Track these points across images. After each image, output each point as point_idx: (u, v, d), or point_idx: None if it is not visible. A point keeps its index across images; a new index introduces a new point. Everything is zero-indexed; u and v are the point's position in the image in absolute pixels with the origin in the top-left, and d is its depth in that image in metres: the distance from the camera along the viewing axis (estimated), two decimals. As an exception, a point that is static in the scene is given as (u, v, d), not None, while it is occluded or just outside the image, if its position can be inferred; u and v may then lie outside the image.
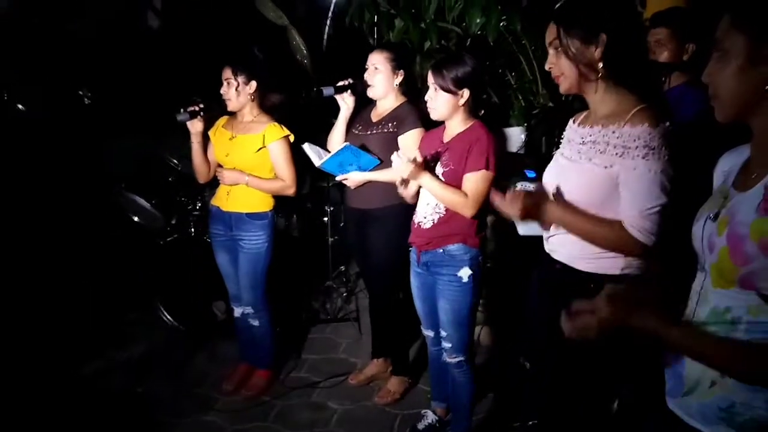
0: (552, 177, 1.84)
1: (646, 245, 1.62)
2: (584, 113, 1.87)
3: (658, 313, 1.24)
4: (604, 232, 1.67)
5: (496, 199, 1.80)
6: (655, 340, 1.25)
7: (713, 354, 1.19)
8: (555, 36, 1.68)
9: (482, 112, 2.67)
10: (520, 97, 3.69)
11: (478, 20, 3.50)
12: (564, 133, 1.93)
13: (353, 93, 2.90)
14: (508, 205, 1.77)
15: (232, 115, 2.97)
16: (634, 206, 1.62)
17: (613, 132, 1.66)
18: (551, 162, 1.92)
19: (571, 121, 1.90)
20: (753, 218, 1.13)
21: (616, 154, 1.64)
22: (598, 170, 1.67)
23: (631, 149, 1.61)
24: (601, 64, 1.66)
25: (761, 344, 1.14)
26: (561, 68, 1.69)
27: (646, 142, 1.59)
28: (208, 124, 2.96)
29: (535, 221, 1.82)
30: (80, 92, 4.87)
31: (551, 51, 1.71)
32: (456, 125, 2.39)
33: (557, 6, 1.76)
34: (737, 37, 1.15)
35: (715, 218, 1.25)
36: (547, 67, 1.76)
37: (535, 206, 1.74)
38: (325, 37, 4.69)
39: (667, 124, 1.62)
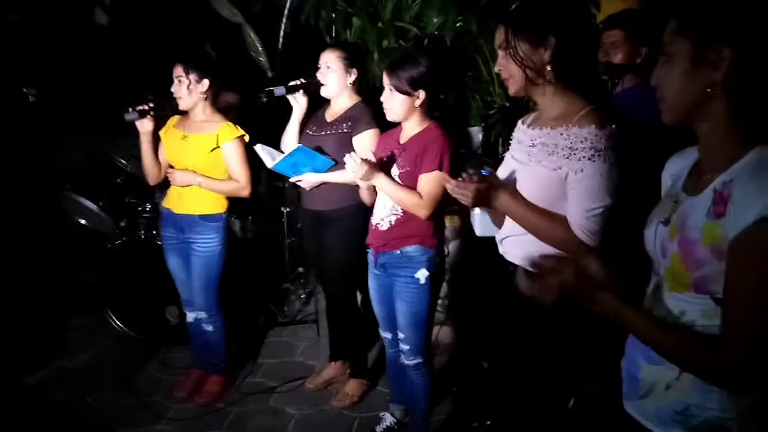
0: (504, 178, 1.84)
1: (588, 246, 1.63)
2: (533, 114, 1.88)
3: (617, 293, 1.24)
4: (548, 227, 1.69)
5: (449, 186, 1.78)
6: (609, 318, 1.25)
7: (663, 338, 1.19)
8: (504, 38, 1.68)
9: (437, 113, 2.65)
10: (477, 98, 3.71)
11: (435, 20, 3.50)
12: (513, 134, 1.94)
13: (306, 92, 2.85)
14: (460, 191, 1.76)
15: (184, 114, 2.88)
16: (578, 207, 1.64)
17: (561, 134, 1.68)
18: (502, 163, 1.93)
19: (520, 122, 1.92)
20: (703, 222, 1.14)
21: (564, 155, 1.65)
22: (547, 172, 1.68)
23: (578, 150, 1.63)
24: (549, 68, 1.66)
25: (708, 334, 1.14)
26: (509, 71, 1.69)
27: (592, 143, 1.61)
28: (159, 124, 2.86)
29: (486, 207, 1.82)
30: (25, 90, 4.68)
31: (501, 53, 1.71)
32: (412, 126, 2.37)
33: (510, 9, 1.76)
34: (682, 42, 1.17)
35: (666, 223, 1.25)
36: (496, 70, 1.76)
37: (487, 193, 1.73)
38: (281, 35, 4.62)
39: (614, 126, 1.65)
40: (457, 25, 3.53)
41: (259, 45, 4.52)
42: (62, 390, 3.16)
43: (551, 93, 1.71)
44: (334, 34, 3.78)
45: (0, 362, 3.35)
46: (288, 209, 3.82)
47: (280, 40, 4.62)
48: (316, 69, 2.82)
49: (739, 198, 1.08)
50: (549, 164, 1.67)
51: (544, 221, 1.69)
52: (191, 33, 5.12)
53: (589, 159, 1.60)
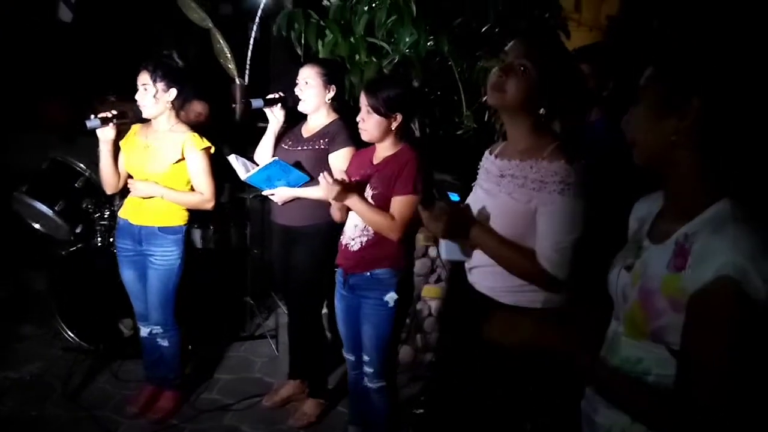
0: (473, 209, 1.84)
1: (556, 278, 1.65)
2: (500, 144, 1.90)
3: (579, 341, 1.25)
4: (517, 259, 1.70)
5: (424, 217, 1.79)
6: (573, 367, 1.26)
7: (624, 394, 1.20)
8: (527, 59, 1.67)
9: (417, 133, 2.66)
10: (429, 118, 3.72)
11: (407, 38, 3.50)
12: (481, 163, 1.95)
13: (283, 106, 2.82)
14: (432, 221, 1.76)
15: (146, 122, 2.80)
16: (547, 239, 1.65)
17: (531, 167, 1.69)
18: (471, 193, 1.93)
19: (487, 152, 1.93)
20: (664, 273, 1.14)
21: (534, 188, 1.67)
22: (516, 204, 1.70)
23: (548, 184, 1.65)
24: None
25: (664, 390, 1.15)
26: (510, 87, 1.68)
27: (562, 177, 1.64)
28: (121, 132, 2.77)
29: (457, 238, 1.82)
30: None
31: (513, 66, 1.69)
32: (386, 148, 2.37)
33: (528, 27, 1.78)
34: (654, 88, 1.19)
35: (629, 268, 1.26)
36: (497, 73, 1.72)
37: (458, 224, 1.74)
38: (251, 42, 4.56)
39: (583, 161, 1.67)
40: (429, 44, 3.56)
41: (228, 51, 4.45)
42: (6, 402, 3.02)
43: (528, 124, 1.72)
44: (303, 44, 3.76)
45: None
46: (250, 221, 3.76)
47: (250, 47, 4.57)
48: (294, 84, 2.80)
49: (700, 253, 1.09)
50: (519, 196, 1.69)
51: (513, 254, 1.69)
52: (158, 36, 5.03)
53: (559, 193, 1.63)
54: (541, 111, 1.72)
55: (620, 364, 1.24)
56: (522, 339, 1.34)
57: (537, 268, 1.66)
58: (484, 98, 3.54)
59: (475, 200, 1.84)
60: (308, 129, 2.86)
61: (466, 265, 1.91)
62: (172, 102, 2.72)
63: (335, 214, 2.45)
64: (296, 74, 2.88)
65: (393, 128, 2.32)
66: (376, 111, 2.29)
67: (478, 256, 1.84)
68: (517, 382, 1.73)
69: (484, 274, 1.82)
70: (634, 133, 1.23)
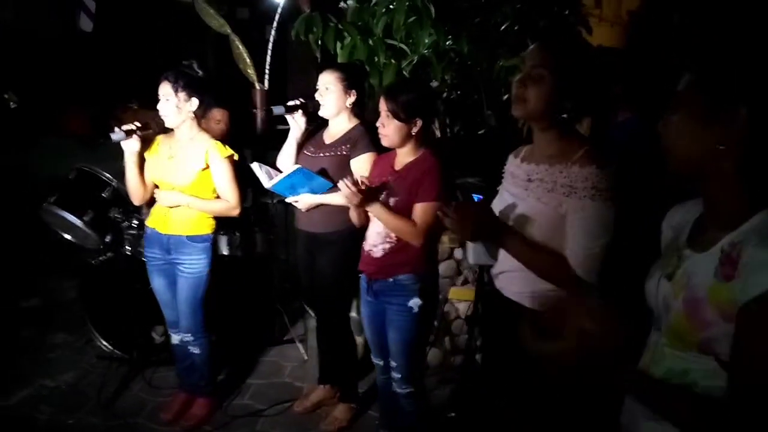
0: (500, 213, 1.83)
1: (587, 283, 1.63)
2: (525, 148, 1.88)
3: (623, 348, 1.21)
4: (549, 263, 1.68)
5: (446, 220, 1.77)
6: (614, 375, 1.23)
7: (670, 403, 1.18)
8: (545, 65, 1.65)
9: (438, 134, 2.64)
10: (447, 119, 3.72)
11: (426, 39, 3.49)
12: (506, 167, 1.93)
13: (304, 113, 2.82)
14: (458, 224, 1.74)
15: (169, 132, 2.83)
16: (578, 244, 1.64)
17: (561, 171, 1.68)
18: (497, 197, 1.92)
19: (511, 156, 1.91)
20: (710, 283, 1.12)
21: (564, 193, 1.66)
22: (546, 209, 1.68)
23: (579, 189, 1.63)
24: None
25: (715, 400, 1.13)
26: (531, 96, 1.67)
27: (594, 183, 1.62)
28: (145, 143, 2.80)
29: (483, 241, 1.80)
30: (6, 96, 4.60)
31: (531, 74, 1.67)
32: (407, 153, 2.35)
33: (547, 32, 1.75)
34: (696, 97, 1.16)
35: (669, 278, 1.24)
36: (517, 84, 1.71)
37: (484, 226, 1.72)
38: (270, 47, 4.57)
39: (613, 166, 1.65)
40: (448, 44, 3.54)
41: (247, 57, 4.48)
42: (43, 410, 3.08)
43: (554, 129, 1.71)
44: (321, 47, 3.75)
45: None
46: (276, 227, 3.78)
47: (269, 52, 4.59)
48: (314, 90, 2.80)
49: (751, 263, 1.06)
50: (548, 201, 1.68)
51: (544, 258, 1.68)
52: (177, 44, 5.07)
53: (590, 198, 1.61)
54: (565, 115, 1.70)
55: (664, 375, 1.22)
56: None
57: (569, 272, 1.65)
58: (506, 96, 3.54)
59: (502, 204, 1.83)
60: (330, 135, 2.86)
61: (493, 271, 1.90)
62: (194, 111, 2.74)
63: (354, 218, 2.44)
64: (314, 78, 2.88)
65: (413, 133, 2.31)
66: (396, 116, 2.28)
67: (505, 261, 1.83)
68: (552, 392, 1.72)
69: (511, 279, 1.81)
70: (672, 140, 1.21)
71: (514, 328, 1.78)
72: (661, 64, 2.67)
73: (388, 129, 2.30)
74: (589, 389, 1.61)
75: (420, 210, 2.25)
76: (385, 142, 2.35)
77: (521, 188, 1.77)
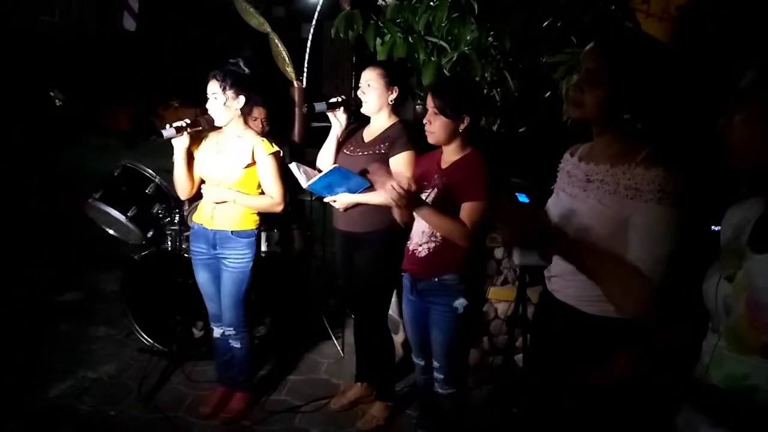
0: (557, 214, 1.78)
1: (656, 291, 1.57)
2: (582, 147, 1.81)
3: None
4: (616, 273, 1.59)
5: (501, 219, 1.70)
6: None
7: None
8: (601, 67, 1.60)
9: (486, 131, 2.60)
10: (505, 115, 3.67)
11: (468, 36, 3.46)
12: (560, 165, 1.88)
13: (346, 110, 2.82)
14: (512, 224, 1.65)
15: (216, 129, 2.86)
16: (646, 252, 1.55)
17: (624, 173, 1.61)
18: (552, 197, 1.87)
19: (567, 154, 1.85)
20: None
21: (627, 196, 1.59)
22: (608, 212, 1.61)
23: (644, 192, 1.56)
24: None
25: None
26: (588, 100, 1.61)
27: (660, 185, 1.54)
28: (193, 140, 2.84)
29: (535, 247, 1.75)
30: (51, 93, 4.71)
31: (586, 77, 1.62)
32: (453, 151, 2.33)
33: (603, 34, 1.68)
34: (761, 95, 1.13)
35: (730, 279, 1.20)
36: (573, 88, 1.67)
37: (531, 229, 1.63)
38: (308, 45, 4.60)
39: (681, 168, 1.58)
40: (489, 40, 3.51)
41: (286, 55, 4.51)
42: (86, 401, 3.14)
43: (613, 129, 1.64)
44: (357, 45, 3.74)
45: (25, 372, 3.35)
46: (313, 224, 3.79)
47: (308, 50, 4.61)
48: (357, 87, 2.80)
49: None
50: (610, 203, 1.61)
51: (609, 267, 1.59)
52: (219, 43, 5.13)
53: (657, 202, 1.54)
54: (626, 116, 1.64)
55: (723, 380, 1.19)
56: None
57: (637, 281, 1.55)
58: (547, 94, 3.49)
59: (558, 204, 1.78)
60: (369, 133, 2.85)
61: (546, 273, 1.86)
62: (241, 109, 2.76)
63: (398, 217, 2.42)
64: (348, 77, 2.88)
65: (460, 130, 2.28)
66: (443, 113, 2.25)
67: (559, 263, 1.78)
68: (601, 396, 1.68)
69: (567, 283, 1.76)
70: (737, 139, 1.17)
71: (566, 331, 1.76)
72: (713, 61, 2.59)
73: (435, 126, 2.27)
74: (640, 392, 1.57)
75: (468, 210, 2.22)
76: (431, 139, 2.33)
77: (579, 189, 1.71)
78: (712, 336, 1.26)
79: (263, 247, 3.46)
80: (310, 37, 4.56)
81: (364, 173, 2.70)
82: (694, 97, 2.59)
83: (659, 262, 1.55)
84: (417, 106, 3.86)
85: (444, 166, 2.35)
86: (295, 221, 3.69)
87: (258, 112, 3.62)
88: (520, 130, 3.71)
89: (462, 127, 2.27)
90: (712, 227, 2.30)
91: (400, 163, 2.67)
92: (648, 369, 1.24)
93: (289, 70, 4.53)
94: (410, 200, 2.15)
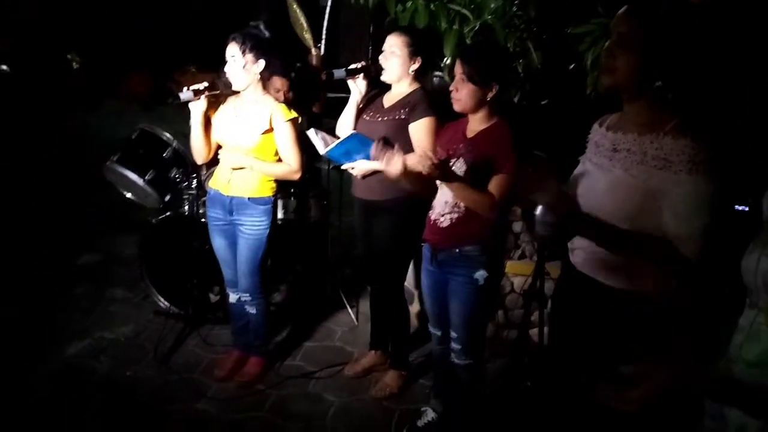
0: (580, 184, 1.75)
1: (692, 264, 1.54)
2: (610, 117, 1.78)
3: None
4: (650, 249, 1.57)
5: (528, 180, 1.65)
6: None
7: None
8: (634, 31, 1.55)
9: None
10: (527, 87, 3.61)
11: (492, 5, 3.38)
12: (589, 136, 1.85)
13: (366, 77, 2.78)
14: (540, 187, 1.61)
15: (234, 94, 2.83)
16: (682, 225, 1.53)
17: (651, 142, 1.58)
18: (578, 167, 1.84)
19: (596, 124, 1.82)
20: None
21: (655, 166, 1.56)
22: (634, 182, 1.59)
23: (674, 163, 1.53)
24: None
25: None
26: (620, 65, 1.57)
27: (690, 156, 1.51)
28: (210, 103, 2.81)
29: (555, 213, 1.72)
30: (69, 56, 4.69)
31: (618, 42, 1.58)
32: (479, 120, 2.28)
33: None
34: None
35: None
36: (605, 53, 1.62)
37: (566, 205, 1.63)
38: (327, 10, 4.53)
39: (710, 138, 1.54)
40: (514, 9, 3.43)
41: (304, 21, 4.44)
42: (103, 361, 3.19)
43: (645, 97, 1.60)
44: (376, 12, 3.66)
45: (42, 331, 3.41)
46: (330, 193, 3.78)
47: (326, 16, 4.54)
48: (379, 53, 2.75)
49: None
50: (637, 173, 1.58)
51: (642, 245, 1.57)
52: (239, 7, 5.05)
53: (687, 173, 1.50)
54: (658, 84, 1.60)
55: (758, 355, 1.17)
56: None
57: (673, 254, 1.53)
58: (571, 66, 3.42)
59: (584, 175, 1.76)
60: (390, 99, 2.81)
61: (569, 245, 1.84)
62: (260, 73, 2.73)
63: (413, 186, 2.34)
64: (367, 44, 2.82)
65: (488, 99, 2.22)
66: (471, 80, 2.19)
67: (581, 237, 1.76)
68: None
69: (589, 255, 1.74)
70: None
71: (588, 303, 1.75)
72: (754, 25, 2.49)
73: (462, 93, 2.22)
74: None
75: (498, 182, 2.17)
76: (457, 107, 2.27)
77: (606, 158, 1.68)
78: (749, 312, 1.25)
79: (279, 215, 3.46)
80: (329, 3, 4.49)
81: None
82: (731, 65, 2.51)
83: (695, 235, 1.52)
84: (434, 79, 3.80)
85: (470, 135, 2.29)
86: (312, 189, 3.68)
87: (280, 84, 3.57)
88: (543, 103, 3.66)
89: (490, 95, 2.21)
90: (736, 206, 2.27)
91: (421, 129, 2.63)
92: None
93: (308, 37, 4.46)
94: (440, 171, 2.10)
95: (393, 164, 2.12)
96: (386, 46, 2.72)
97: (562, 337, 1.90)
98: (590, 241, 1.69)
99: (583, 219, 1.63)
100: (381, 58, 2.74)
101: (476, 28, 3.44)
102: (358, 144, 2.66)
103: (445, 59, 3.32)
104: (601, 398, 1.35)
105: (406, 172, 2.15)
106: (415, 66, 2.72)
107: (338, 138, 2.77)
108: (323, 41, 4.52)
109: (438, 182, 2.26)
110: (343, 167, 2.85)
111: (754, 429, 1.17)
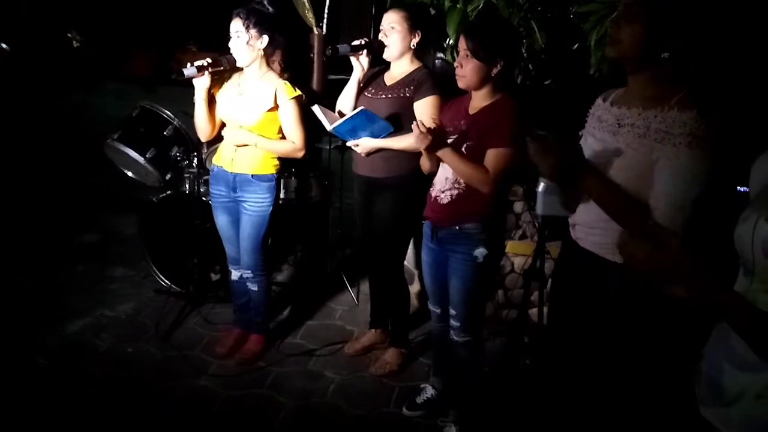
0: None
1: (668, 232, 1.54)
2: (616, 91, 1.78)
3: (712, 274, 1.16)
4: (629, 209, 1.58)
5: (531, 147, 1.66)
6: (705, 302, 1.17)
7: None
8: (639, 1, 1.55)
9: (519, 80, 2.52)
10: (531, 67, 3.58)
11: (493, -21, 3.35)
12: (591, 110, 1.84)
13: (369, 53, 2.77)
14: (542, 156, 1.64)
15: (239, 70, 2.81)
16: (671, 195, 1.54)
17: (655, 116, 1.58)
18: (580, 141, 1.84)
19: (600, 99, 1.81)
20: None
21: (656, 139, 1.56)
22: (636, 155, 1.59)
23: (674, 135, 1.53)
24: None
25: None
26: (625, 36, 1.57)
27: (692, 129, 1.51)
28: (214, 80, 2.79)
29: (564, 182, 1.73)
30: (69, 35, 4.65)
31: (624, 12, 1.58)
32: (483, 97, 2.27)
33: None
34: None
35: None
36: (611, 24, 1.63)
37: (570, 163, 1.63)
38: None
39: (717, 114, 1.54)
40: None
41: (306, 1, 4.40)
42: (104, 338, 3.20)
43: (651, 71, 1.60)
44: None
45: (44, 308, 3.42)
46: (331, 173, 3.77)
47: (328, -4, 4.50)
48: (365, 32, 2.74)
49: None
50: (639, 147, 1.58)
51: (633, 210, 1.58)
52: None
53: (686, 146, 1.51)
54: (665, 55, 1.60)
55: None
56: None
57: (648, 222, 1.54)
58: (575, 46, 3.40)
59: (586, 149, 1.76)
60: (391, 77, 2.80)
61: (570, 221, 1.85)
62: (264, 49, 2.71)
63: (425, 164, 2.39)
64: (368, 24, 2.81)
65: (492, 75, 2.21)
66: (476, 55, 2.17)
67: (584, 211, 1.76)
68: (624, 342, 1.68)
69: (591, 230, 1.74)
70: None
71: (590, 278, 1.75)
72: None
73: (466, 69, 2.20)
74: (662, 339, 1.57)
75: (492, 156, 2.18)
76: (461, 84, 2.26)
77: (609, 133, 1.68)
78: (744, 279, 1.25)
79: (281, 195, 3.46)
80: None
81: (389, 118, 2.67)
82: (738, 37, 2.49)
83: (684, 207, 1.53)
84: (436, 61, 3.78)
85: (472, 111, 2.29)
86: (313, 170, 3.67)
87: (276, 55, 3.55)
88: (546, 83, 3.64)
89: (495, 71, 2.20)
90: (738, 188, 2.27)
91: (426, 107, 2.62)
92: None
93: (309, 16, 4.41)
94: (433, 140, 2.11)
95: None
96: (384, 24, 2.72)
97: (563, 313, 1.90)
98: (591, 211, 1.69)
99: (588, 167, 1.63)
100: (381, 35, 2.73)
101: (480, 6, 3.42)
102: (365, 120, 2.66)
103: (448, 39, 3.30)
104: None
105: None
106: (416, 40, 2.71)
107: (341, 115, 2.77)
108: (325, 21, 4.50)
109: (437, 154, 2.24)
110: (348, 144, 2.84)
111: (753, 394, 1.18)
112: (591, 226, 1.74)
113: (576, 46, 3.34)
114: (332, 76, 4.04)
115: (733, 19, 2.28)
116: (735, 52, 2.30)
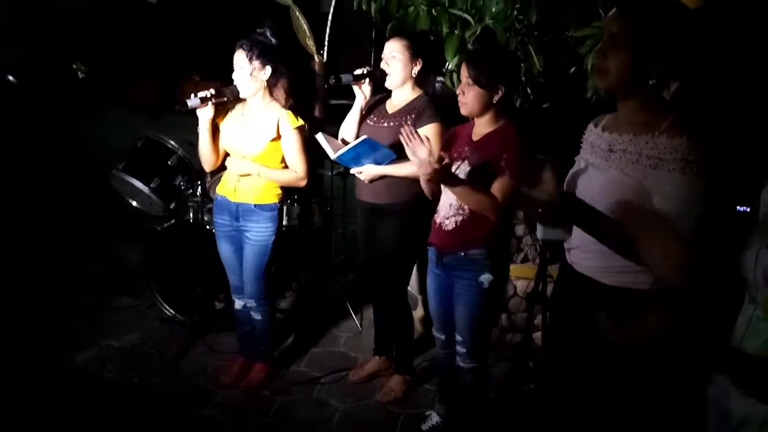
0: (575, 184, 1.77)
1: (688, 261, 1.54)
2: (607, 117, 1.80)
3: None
4: (651, 238, 1.57)
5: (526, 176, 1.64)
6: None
7: None
8: (624, 31, 1.57)
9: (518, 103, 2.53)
10: (529, 91, 3.62)
11: (494, 9, 3.40)
12: (584, 136, 1.86)
13: (371, 82, 2.80)
14: (529, 204, 1.64)
15: (242, 101, 2.85)
16: (674, 222, 1.53)
17: (646, 142, 1.59)
18: (574, 167, 1.85)
19: (591, 125, 1.84)
20: None
21: (649, 165, 1.57)
22: (629, 181, 1.60)
23: (667, 162, 1.54)
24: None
25: None
26: (612, 66, 1.59)
27: (684, 155, 1.52)
28: (218, 111, 2.83)
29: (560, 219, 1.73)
30: (74, 66, 4.73)
31: (610, 43, 1.60)
32: (486, 123, 2.29)
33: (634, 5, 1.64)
34: None
35: None
36: (597, 54, 1.65)
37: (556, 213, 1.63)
38: (330, 18, 4.56)
39: (707, 138, 1.55)
40: (515, 12, 3.44)
41: (307, 28, 4.47)
42: (110, 368, 3.20)
43: (640, 98, 1.62)
44: (380, 18, 3.69)
45: (49, 340, 3.42)
46: (333, 199, 3.80)
47: (329, 22, 4.57)
48: (379, 60, 2.78)
49: None
50: (632, 173, 1.59)
51: (647, 233, 1.56)
52: (241, 14, 5.09)
53: (680, 171, 1.51)
54: (652, 82, 1.61)
55: (759, 348, 1.18)
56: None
57: (679, 251, 1.51)
58: (572, 69, 3.43)
59: (579, 174, 1.77)
60: (393, 104, 2.84)
61: (565, 245, 1.85)
62: (267, 80, 2.75)
63: (427, 190, 2.40)
64: (369, 51, 2.85)
65: (495, 101, 2.23)
66: (478, 83, 2.20)
67: (579, 235, 1.77)
68: (626, 369, 1.68)
69: (585, 254, 1.75)
70: None
71: (586, 303, 1.75)
72: (744, 24, 2.50)
73: (468, 96, 2.22)
74: (668, 364, 1.56)
75: (501, 184, 2.18)
76: (464, 111, 2.28)
77: (601, 159, 1.70)
78: (749, 306, 1.26)
79: (283, 221, 3.48)
80: (332, 10, 4.52)
81: (391, 146, 2.69)
82: (723, 62, 2.52)
83: (688, 231, 1.52)
84: (436, 84, 3.82)
85: (476, 138, 2.31)
86: (315, 196, 3.70)
87: (282, 83, 3.59)
88: (544, 106, 3.67)
89: (496, 98, 2.22)
90: (738, 207, 2.27)
91: (428, 135, 2.64)
92: (680, 332, 1.23)
93: (310, 44, 4.49)
94: (442, 175, 2.11)
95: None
96: (386, 52, 2.75)
97: (561, 337, 1.90)
98: (584, 230, 1.69)
99: (578, 202, 1.63)
100: (382, 64, 2.77)
101: (477, 32, 3.46)
102: (368, 149, 2.69)
103: (447, 64, 3.35)
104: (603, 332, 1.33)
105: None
106: (417, 68, 2.75)
107: (343, 143, 2.80)
108: (326, 48, 4.56)
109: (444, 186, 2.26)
110: (351, 171, 2.87)
111: (757, 421, 1.17)
112: (586, 249, 1.74)
113: (573, 69, 3.38)
114: (334, 101, 4.09)
115: (719, 42, 2.30)
116: (724, 74, 2.32)
